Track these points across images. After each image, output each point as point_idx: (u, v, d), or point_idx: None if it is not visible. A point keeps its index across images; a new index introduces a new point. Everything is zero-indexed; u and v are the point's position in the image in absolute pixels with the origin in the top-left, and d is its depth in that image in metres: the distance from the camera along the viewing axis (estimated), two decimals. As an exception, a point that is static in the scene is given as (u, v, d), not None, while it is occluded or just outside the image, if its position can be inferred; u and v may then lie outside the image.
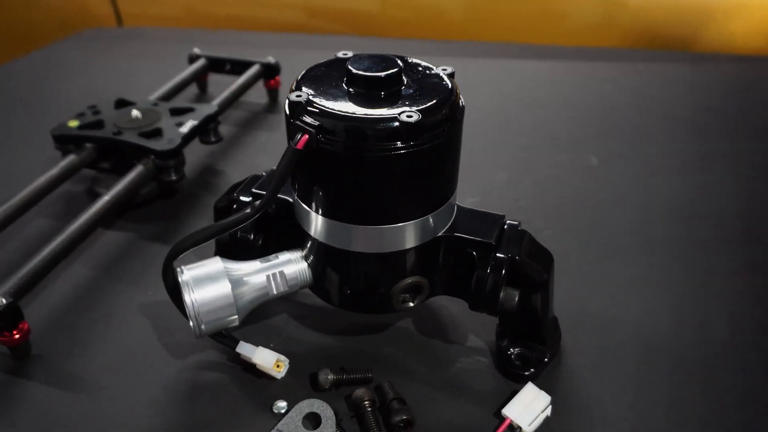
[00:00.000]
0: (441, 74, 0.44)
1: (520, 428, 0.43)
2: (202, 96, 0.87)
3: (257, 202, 0.42)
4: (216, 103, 0.74)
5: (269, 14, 1.26)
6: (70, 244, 0.54)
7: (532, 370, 0.47)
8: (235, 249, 0.51)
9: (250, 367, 0.48)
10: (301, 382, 0.47)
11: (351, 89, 0.42)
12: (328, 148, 0.40)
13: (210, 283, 0.44)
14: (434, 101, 0.41)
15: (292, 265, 0.47)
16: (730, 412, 0.45)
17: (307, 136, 0.39)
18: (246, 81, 0.80)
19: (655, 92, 0.89)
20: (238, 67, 0.84)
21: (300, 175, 0.44)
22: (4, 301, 0.47)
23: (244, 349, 0.47)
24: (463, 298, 0.48)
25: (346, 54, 0.47)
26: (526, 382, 0.46)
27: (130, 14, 1.31)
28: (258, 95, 0.85)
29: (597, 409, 0.46)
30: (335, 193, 0.43)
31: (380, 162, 0.39)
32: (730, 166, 0.72)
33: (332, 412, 0.44)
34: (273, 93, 0.86)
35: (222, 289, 0.44)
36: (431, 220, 0.44)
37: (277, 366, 0.47)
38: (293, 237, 0.48)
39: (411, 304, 0.47)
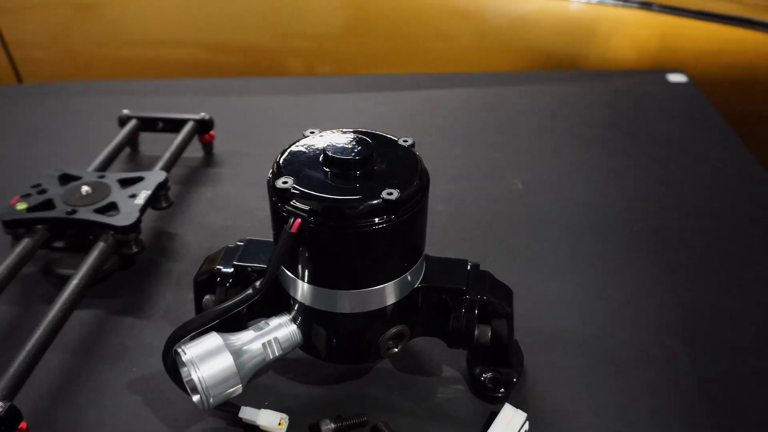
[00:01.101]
0: (404, 146, 0.50)
1: (505, 446, 0.50)
2: (135, 155, 0.88)
3: (257, 283, 0.46)
4: (160, 167, 0.76)
5: (168, 54, 1.27)
6: (50, 333, 0.55)
7: (503, 390, 0.54)
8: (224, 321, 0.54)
9: (252, 429, 0.51)
10: (301, 437, 0.52)
11: (329, 170, 0.47)
12: (317, 228, 0.44)
13: (212, 358, 0.47)
14: (408, 176, 0.46)
15: (283, 328, 0.51)
16: (670, 402, 0.54)
17: (300, 220, 0.44)
18: (183, 139, 0.82)
19: (562, 112, 0.98)
20: (171, 124, 0.86)
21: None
22: (2, 405, 0.47)
23: (247, 413, 0.51)
24: (438, 338, 0.54)
25: (313, 132, 0.51)
26: (501, 403, 0.53)
27: (28, 70, 1.28)
28: (191, 149, 0.87)
29: (562, 416, 0.53)
30: (321, 264, 0.47)
31: (365, 236, 0.44)
32: (637, 178, 0.83)
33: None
34: (208, 146, 0.88)
35: (225, 362, 0.48)
36: (409, 276, 0.49)
37: (279, 424, 0.51)
38: (276, 301, 0.52)
39: (396, 350, 0.52)
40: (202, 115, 0.85)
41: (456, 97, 1.03)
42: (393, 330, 0.51)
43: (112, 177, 0.71)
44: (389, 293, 0.49)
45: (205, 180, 0.83)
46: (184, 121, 0.85)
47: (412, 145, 0.50)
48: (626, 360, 0.58)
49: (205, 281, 0.55)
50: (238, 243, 0.57)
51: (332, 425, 0.51)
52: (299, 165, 0.47)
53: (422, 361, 0.58)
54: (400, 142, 0.50)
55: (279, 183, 0.45)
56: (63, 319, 0.57)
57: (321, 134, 0.51)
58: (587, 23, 1.17)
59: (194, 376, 0.47)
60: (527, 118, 0.97)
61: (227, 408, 0.51)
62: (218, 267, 0.54)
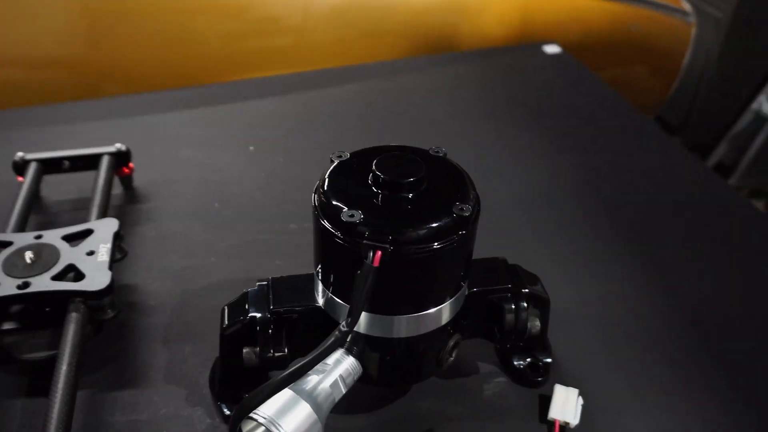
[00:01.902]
0: (441, 158, 0.49)
1: (568, 424, 0.53)
2: (40, 204, 0.76)
3: (341, 326, 0.43)
4: (96, 214, 0.67)
5: None
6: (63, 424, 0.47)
7: (544, 375, 0.57)
8: (260, 369, 0.50)
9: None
10: (377, 468, 0.50)
11: (385, 193, 0.45)
12: (396, 257, 0.43)
13: (290, 411, 0.44)
14: (464, 188, 0.46)
15: (343, 364, 0.48)
16: (674, 363, 0.61)
17: (380, 252, 0.42)
18: (106, 177, 0.72)
19: (461, 94, 1.02)
20: (81, 162, 0.75)
21: (343, 278, 0.46)
22: None
23: None
24: (483, 338, 0.55)
25: (340, 156, 0.49)
26: (544, 386, 0.56)
27: None
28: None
29: (599, 387, 0.57)
30: (386, 293, 0.45)
31: (443, 255, 0.44)
32: (558, 148, 0.89)
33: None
34: (127, 180, 0.78)
35: (303, 411, 0.44)
36: (464, 288, 0.49)
37: (356, 462, 0.49)
38: (315, 338, 0.49)
39: (452, 359, 0.52)
40: (118, 146, 0.76)
41: (350, 91, 1.02)
42: (451, 342, 0.51)
43: (52, 235, 0.61)
44: (450, 308, 0.48)
45: (140, 219, 0.74)
46: (96, 157, 0.75)
47: (445, 155, 0.50)
48: (627, 329, 0.64)
49: (238, 332, 0.50)
50: (259, 284, 0.52)
51: (410, 449, 0.50)
52: (350, 192, 0.45)
53: (453, 364, 0.58)
54: (432, 153, 0.50)
55: (345, 217, 0.43)
56: (70, 413, 0.49)
57: (348, 156, 0.49)
58: (457, 4, 1.21)
59: None
60: (429, 104, 0.99)
61: None
62: (252, 315, 0.50)
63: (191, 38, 1.09)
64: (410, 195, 0.45)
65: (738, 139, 1.59)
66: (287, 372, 0.42)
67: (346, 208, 0.43)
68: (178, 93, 0.99)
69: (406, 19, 1.20)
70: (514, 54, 1.14)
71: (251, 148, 0.87)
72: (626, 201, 0.80)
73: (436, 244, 0.43)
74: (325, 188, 0.46)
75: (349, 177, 0.47)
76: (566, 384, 0.55)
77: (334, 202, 0.44)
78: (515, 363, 0.57)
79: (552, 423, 0.53)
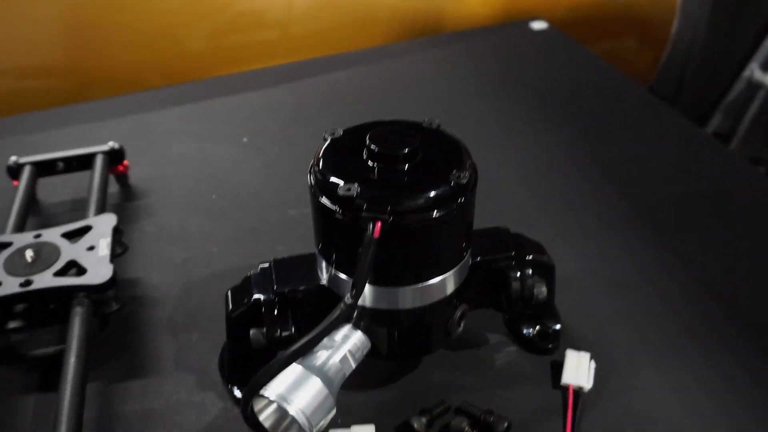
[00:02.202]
0: (434, 129, 0.49)
1: (582, 388, 0.53)
2: (35, 205, 0.76)
3: (346, 299, 0.43)
4: (93, 211, 0.67)
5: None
6: (76, 424, 0.47)
7: (554, 341, 0.57)
8: (269, 349, 0.50)
9: (343, 452, 0.49)
10: (392, 441, 0.50)
11: (380, 166, 0.45)
12: (396, 227, 0.42)
13: (301, 387, 0.44)
14: (460, 157, 0.46)
15: (351, 339, 0.48)
16: (684, 320, 0.61)
17: (380, 223, 0.42)
18: (101, 175, 0.72)
19: (456, 75, 1.02)
20: (75, 162, 0.75)
21: (345, 253, 0.46)
22: None
23: None
24: (489, 308, 0.55)
25: (333, 133, 0.48)
26: (554, 352, 0.56)
27: None
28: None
29: (611, 349, 0.57)
30: (389, 264, 0.45)
31: (439, 225, 0.44)
32: (558, 125, 0.89)
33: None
34: (122, 178, 0.78)
35: (315, 386, 0.44)
36: (467, 258, 0.49)
37: (371, 436, 0.49)
38: (321, 317, 0.49)
39: (460, 330, 0.52)
40: (111, 144, 0.76)
41: (334, 79, 1.01)
42: (458, 313, 0.51)
43: (51, 233, 0.61)
44: (455, 278, 0.48)
45: (139, 215, 0.74)
46: (90, 156, 0.75)
47: (439, 127, 0.50)
48: (620, 286, 0.64)
49: (244, 315, 0.50)
50: (262, 266, 0.52)
51: (423, 420, 0.50)
52: (346, 167, 0.45)
53: (461, 336, 0.58)
54: (425, 125, 0.50)
55: (342, 192, 0.43)
56: (81, 404, 0.49)
57: (342, 132, 0.49)
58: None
59: (291, 411, 0.42)
60: (421, 86, 0.99)
61: None
62: (257, 297, 0.50)
63: (176, 36, 1.09)
64: (406, 166, 0.45)
65: (732, 108, 1.58)
66: (294, 347, 0.42)
67: (342, 183, 0.43)
68: (168, 90, 0.98)
69: (390, 4, 1.19)
70: (501, 32, 1.13)
71: (245, 139, 0.87)
72: (624, 168, 0.80)
73: (435, 212, 0.43)
74: (320, 165, 0.46)
75: (343, 153, 0.47)
76: (577, 349, 0.55)
77: (331, 178, 0.44)
78: (524, 332, 0.57)
79: (566, 388, 0.53)
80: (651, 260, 0.66)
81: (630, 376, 0.55)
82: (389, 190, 0.43)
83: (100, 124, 0.90)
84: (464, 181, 0.43)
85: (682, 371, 0.55)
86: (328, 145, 0.48)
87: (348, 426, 0.50)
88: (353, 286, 0.43)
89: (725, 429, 0.51)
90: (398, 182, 0.44)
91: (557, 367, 0.55)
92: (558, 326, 0.58)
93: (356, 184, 0.43)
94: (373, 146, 0.45)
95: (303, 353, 0.43)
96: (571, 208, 0.74)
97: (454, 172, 0.44)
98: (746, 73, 1.52)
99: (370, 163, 0.45)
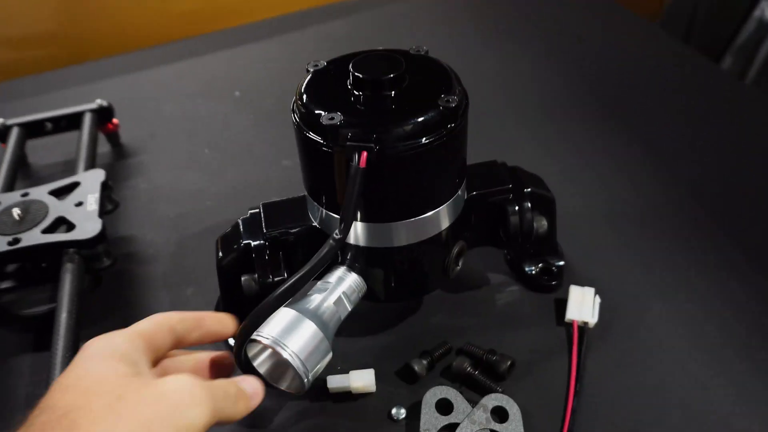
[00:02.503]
0: (422, 55, 0.46)
1: (587, 323, 0.51)
2: (28, 170, 0.74)
3: (335, 234, 0.41)
4: (83, 168, 0.65)
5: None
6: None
7: (560, 278, 0.55)
8: (262, 296, 0.48)
9: (342, 396, 0.48)
10: (393, 385, 0.49)
11: (366, 94, 0.42)
12: (383, 157, 0.40)
13: (295, 331, 0.42)
14: (449, 81, 0.43)
15: (346, 281, 0.47)
16: (687, 246, 0.59)
17: (366, 152, 0.39)
18: (90, 133, 0.70)
19: (449, 16, 0.98)
20: (64, 122, 0.73)
21: (333, 190, 0.44)
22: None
23: (336, 381, 0.47)
24: (489, 245, 0.53)
25: (317, 65, 0.46)
26: (558, 290, 0.54)
27: None
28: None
29: (609, 283, 0.55)
30: (380, 197, 0.43)
31: (429, 153, 0.41)
32: (559, 61, 0.86)
33: (458, 392, 0.46)
34: (113, 137, 0.76)
35: (309, 329, 0.42)
36: (461, 192, 0.47)
37: (369, 380, 0.48)
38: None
39: (459, 268, 0.50)
40: (99, 102, 0.74)
41: (328, 29, 0.98)
42: (455, 250, 0.49)
43: (39, 191, 0.59)
44: (449, 211, 0.46)
45: (131, 173, 0.72)
46: (78, 115, 0.73)
47: (427, 53, 0.47)
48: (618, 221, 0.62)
49: (235, 262, 0.49)
50: (251, 211, 0.50)
51: (424, 362, 0.49)
52: (330, 97, 0.43)
53: (462, 277, 0.57)
54: (413, 52, 0.47)
55: (325, 120, 0.40)
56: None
57: (325, 63, 0.46)
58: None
59: (285, 355, 0.41)
60: (415, 32, 0.96)
61: None
62: (246, 242, 0.48)
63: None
64: (392, 93, 0.42)
65: (743, 50, 1.52)
66: (284, 286, 0.40)
67: (325, 113, 0.41)
68: (158, 49, 0.96)
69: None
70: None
71: (237, 93, 0.84)
72: (624, 99, 0.78)
73: (424, 139, 0.41)
74: (303, 98, 0.43)
75: (326, 84, 0.44)
76: (581, 285, 0.53)
77: (313, 110, 0.42)
78: (527, 270, 0.55)
79: (570, 324, 0.51)
80: (657, 193, 0.64)
81: (637, 310, 0.53)
82: (375, 118, 0.41)
83: (90, 87, 0.88)
84: (453, 104, 0.41)
85: (690, 302, 0.53)
86: (311, 77, 0.45)
87: (346, 371, 0.48)
88: (341, 220, 0.41)
89: (735, 356, 0.49)
90: (384, 109, 0.41)
91: (561, 305, 0.53)
92: (561, 263, 0.56)
93: (339, 113, 0.40)
94: (357, 73, 0.42)
95: (293, 293, 0.41)
96: (574, 147, 0.71)
97: (443, 96, 0.41)
98: (756, 13, 1.47)
99: (355, 91, 0.43)
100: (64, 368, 0.46)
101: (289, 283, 0.40)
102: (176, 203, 0.68)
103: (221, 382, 0.38)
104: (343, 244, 0.41)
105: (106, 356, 0.36)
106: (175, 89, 0.86)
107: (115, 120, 0.75)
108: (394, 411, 0.46)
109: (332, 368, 0.49)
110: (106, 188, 0.61)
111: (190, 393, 0.34)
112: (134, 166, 0.73)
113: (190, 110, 0.82)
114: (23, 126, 0.72)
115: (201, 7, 1.08)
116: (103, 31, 1.06)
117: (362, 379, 0.47)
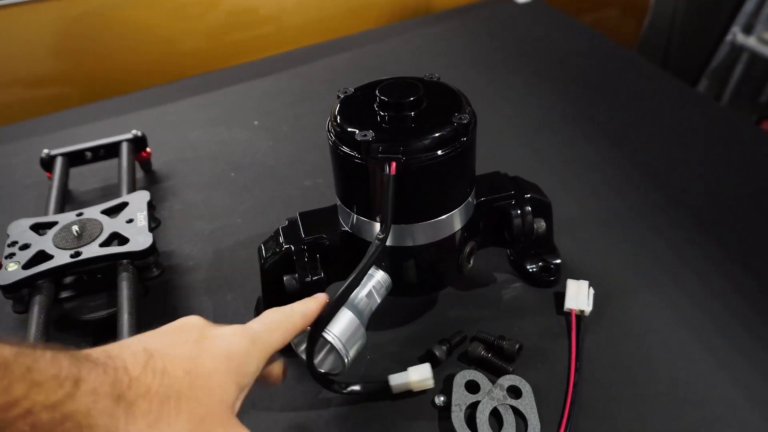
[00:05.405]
0: (435, 81, 0.55)
1: (583, 312, 0.58)
2: (70, 196, 0.81)
3: (378, 234, 0.48)
4: (125, 188, 0.72)
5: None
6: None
7: (558, 274, 0.62)
8: (302, 294, 0.56)
9: (401, 394, 0.54)
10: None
11: (390, 114, 0.50)
12: (410, 165, 0.48)
13: (335, 318, 0.49)
14: (459, 102, 0.51)
15: (375, 277, 0.54)
16: (674, 243, 0.66)
17: (395, 162, 0.47)
18: (129, 160, 0.78)
19: (449, 50, 1.07)
20: (102, 151, 0.80)
21: (365, 197, 0.51)
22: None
23: (397, 379, 0.53)
24: (494, 245, 0.61)
25: (346, 92, 0.54)
26: (557, 284, 0.62)
27: None
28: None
29: (602, 276, 0.62)
30: (404, 202, 0.51)
31: (445, 163, 0.49)
32: (552, 88, 0.95)
33: (483, 375, 0.54)
34: (146, 164, 0.84)
35: (346, 316, 0.49)
36: (471, 198, 0.55)
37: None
38: (347, 260, 0.55)
39: (470, 265, 0.58)
40: (134, 132, 0.81)
41: (336, 61, 1.07)
42: (467, 248, 0.56)
43: (92, 211, 0.66)
44: (461, 215, 0.54)
45: (165, 195, 0.80)
46: (116, 144, 0.81)
47: (439, 79, 0.55)
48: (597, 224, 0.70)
49: (277, 264, 0.56)
50: (288, 220, 0.58)
51: (444, 348, 0.56)
52: (361, 118, 0.50)
53: (472, 277, 0.64)
54: (426, 78, 0.55)
55: (359, 137, 0.48)
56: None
57: (353, 90, 0.54)
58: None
59: (329, 338, 0.48)
60: (419, 62, 1.04)
61: (375, 385, 0.54)
62: (287, 246, 0.55)
63: (174, 39, 1.15)
64: (413, 113, 0.50)
65: (718, 73, 1.62)
66: (344, 286, 0.47)
67: (358, 131, 0.49)
68: (180, 84, 1.04)
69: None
70: (489, 7, 1.19)
71: (256, 122, 0.92)
72: (609, 119, 0.87)
73: (440, 151, 0.48)
74: (337, 119, 0.51)
75: (356, 107, 0.52)
76: (577, 279, 0.61)
77: (347, 128, 0.50)
78: (528, 268, 0.63)
79: (569, 313, 0.59)
80: (641, 199, 0.72)
81: (627, 299, 0.61)
82: (400, 134, 0.49)
83: (117, 119, 0.95)
84: (465, 121, 0.49)
85: (676, 290, 0.61)
86: (342, 101, 0.53)
87: (404, 368, 0.54)
88: (381, 221, 0.48)
89: (718, 336, 0.57)
90: (407, 127, 0.49)
91: (560, 297, 0.60)
92: (558, 260, 0.63)
93: (371, 131, 0.48)
94: (383, 97, 0.50)
95: (353, 289, 0.48)
96: (567, 160, 0.79)
97: (456, 114, 0.49)
98: (729, 37, 1.56)
99: (381, 112, 0.50)
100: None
101: (348, 282, 0.47)
102: (209, 220, 0.75)
103: None
104: (385, 242, 0.48)
105: None
106: (198, 119, 0.94)
107: (148, 149, 0.83)
108: (434, 399, 0.53)
109: (362, 357, 0.56)
110: (150, 207, 0.68)
111: None
112: (167, 189, 0.81)
113: (214, 138, 0.90)
114: (66, 156, 0.80)
115: (209, 48, 1.16)
116: (115, 71, 1.14)
117: (420, 374, 0.53)
